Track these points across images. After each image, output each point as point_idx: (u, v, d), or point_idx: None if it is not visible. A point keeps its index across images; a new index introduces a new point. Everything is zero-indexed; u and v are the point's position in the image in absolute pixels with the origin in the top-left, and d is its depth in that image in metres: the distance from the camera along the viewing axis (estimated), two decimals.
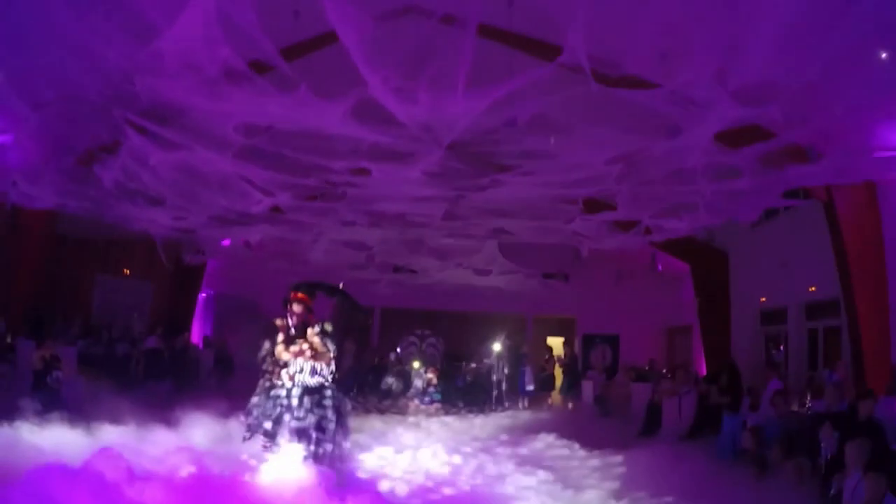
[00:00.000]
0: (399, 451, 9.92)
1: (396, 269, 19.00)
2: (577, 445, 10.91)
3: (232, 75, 7.32)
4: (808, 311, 14.37)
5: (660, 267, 18.98)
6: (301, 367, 7.99)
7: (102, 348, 14.93)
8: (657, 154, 9.60)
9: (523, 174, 10.26)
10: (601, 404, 15.90)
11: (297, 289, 8.31)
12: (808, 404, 9.89)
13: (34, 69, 8.88)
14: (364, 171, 10.30)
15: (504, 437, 12.04)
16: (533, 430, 12.66)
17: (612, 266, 19.25)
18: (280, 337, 7.98)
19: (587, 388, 17.05)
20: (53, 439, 8.12)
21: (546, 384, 18.05)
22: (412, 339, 21.38)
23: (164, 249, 14.44)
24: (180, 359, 16.07)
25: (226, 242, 17.34)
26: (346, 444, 8.21)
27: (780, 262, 14.50)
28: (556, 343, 21.82)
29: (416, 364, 18.09)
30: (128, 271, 17.83)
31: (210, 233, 14.44)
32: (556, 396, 17.61)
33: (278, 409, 7.81)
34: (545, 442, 11.44)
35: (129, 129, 9.62)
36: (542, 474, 8.72)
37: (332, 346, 8.27)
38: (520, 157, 9.88)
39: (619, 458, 9.77)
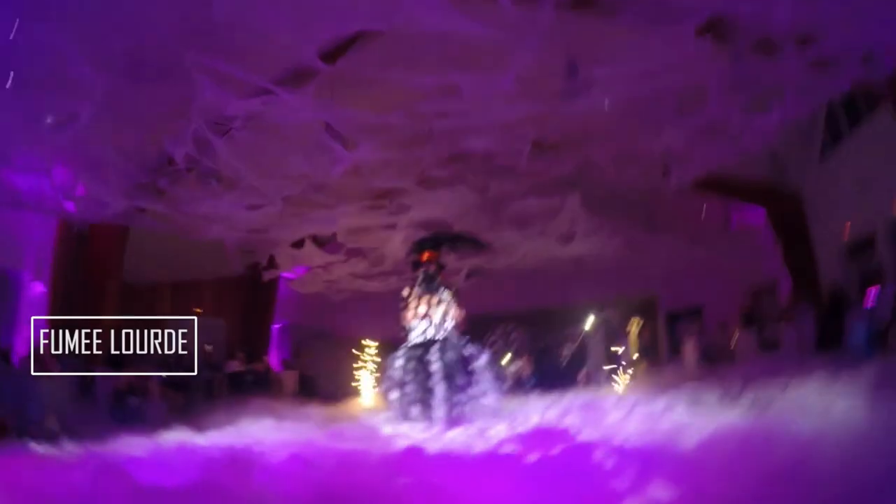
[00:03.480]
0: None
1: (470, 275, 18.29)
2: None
3: None
4: None
5: (734, 220, 17.99)
6: (423, 328, 7.47)
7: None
8: (743, 15, 8.96)
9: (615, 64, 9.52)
10: (707, 356, 15.38)
11: (422, 247, 7.95)
12: None
13: (100, 16, 8.33)
14: (453, 91, 9.59)
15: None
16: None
17: (684, 236, 18.32)
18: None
19: (688, 351, 16.18)
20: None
21: (646, 353, 16.90)
22: (495, 336, 20.54)
23: (236, 255, 13.74)
24: (263, 380, 15.42)
25: (300, 270, 16.78)
26: (486, 400, 7.30)
27: (857, 184, 13.38)
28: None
29: (505, 359, 17.32)
30: (199, 310, 17.30)
31: (285, 232, 13.76)
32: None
33: (395, 379, 7.26)
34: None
35: (204, 79, 9.03)
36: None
37: (444, 295, 7.63)
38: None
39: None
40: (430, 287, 7.69)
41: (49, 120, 9.74)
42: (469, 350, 7.63)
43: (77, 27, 8.24)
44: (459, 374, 7.34)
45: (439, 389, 7.21)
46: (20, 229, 12.87)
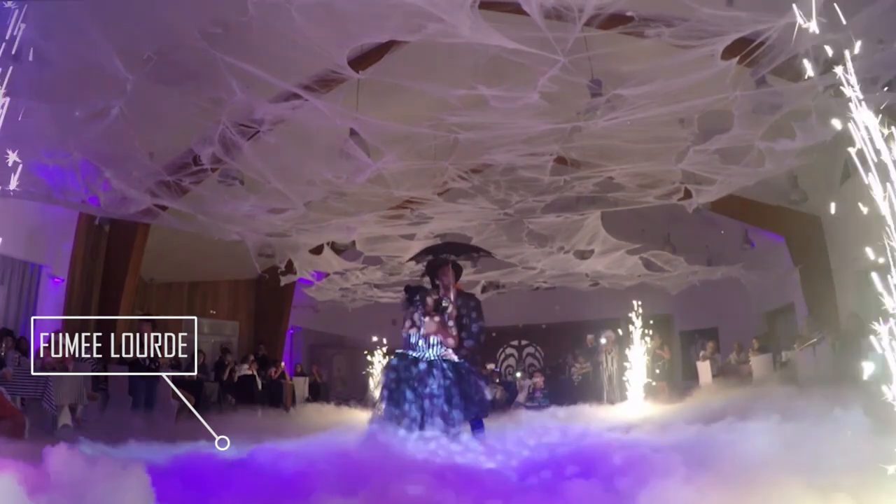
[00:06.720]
0: None
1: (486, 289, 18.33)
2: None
3: None
4: None
5: (753, 244, 17.85)
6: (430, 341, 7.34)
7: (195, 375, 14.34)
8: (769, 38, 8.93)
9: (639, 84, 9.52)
10: (722, 376, 15.52)
11: (440, 256, 7.77)
12: None
13: (134, 15, 8.44)
14: (479, 103, 9.62)
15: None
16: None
17: (701, 256, 18.23)
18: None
19: (703, 370, 16.33)
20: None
21: (661, 374, 16.74)
22: (509, 350, 20.62)
23: (257, 258, 13.81)
24: (275, 385, 15.46)
25: (317, 276, 16.79)
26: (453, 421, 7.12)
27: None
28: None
29: (518, 375, 17.35)
30: (214, 312, 17.43)
31: (306, 237, 13.82)
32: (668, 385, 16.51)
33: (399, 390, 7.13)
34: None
35: (234, 81, 9.11)
36: None
37: (416, 315, 7.38)
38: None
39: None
40: (407, 302, 7.57)
41: (78, 114, 9.83)
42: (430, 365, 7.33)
43: (111, 26, 8.32)
44: (420, 386, 7.12)
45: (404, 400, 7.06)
46: (42, 224, 12.98)
